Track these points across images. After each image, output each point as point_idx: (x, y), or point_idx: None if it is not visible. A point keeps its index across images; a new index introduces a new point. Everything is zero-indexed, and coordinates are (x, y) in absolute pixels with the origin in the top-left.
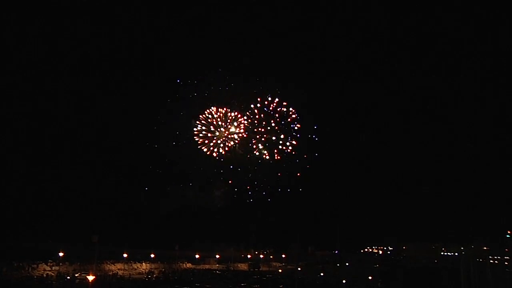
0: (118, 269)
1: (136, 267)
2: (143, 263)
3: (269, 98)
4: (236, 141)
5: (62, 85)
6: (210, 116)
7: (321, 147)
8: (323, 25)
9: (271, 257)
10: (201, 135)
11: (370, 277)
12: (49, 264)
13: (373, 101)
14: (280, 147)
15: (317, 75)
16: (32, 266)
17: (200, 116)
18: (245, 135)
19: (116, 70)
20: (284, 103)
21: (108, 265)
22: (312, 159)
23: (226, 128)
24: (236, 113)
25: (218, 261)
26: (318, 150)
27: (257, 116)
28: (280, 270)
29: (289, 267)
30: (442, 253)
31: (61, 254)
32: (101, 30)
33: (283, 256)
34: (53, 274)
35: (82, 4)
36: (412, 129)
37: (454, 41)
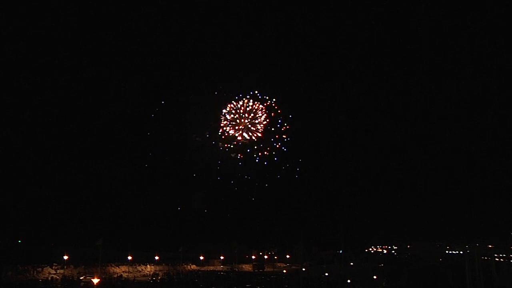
0: (123, 272)
1: (140, 269)
2: (148, 265)
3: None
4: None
5: (68, 85)
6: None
7: (324, 147)
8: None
9: (275, 257)
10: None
11: (374, 277)
12: (54, 267)
13: (377, 100)
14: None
15: (316, 72)
16: (37, 269)
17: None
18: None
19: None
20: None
21: (113, 268)
22: (316, 158)
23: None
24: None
25: (223, 262)
26: (321, 150)
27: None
28: (284, 271)
29: (293, 267)
30: (446, 252)
31: (65, 257)
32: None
33: (288, 256)
34: (58, 277)
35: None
36: (416, 128)
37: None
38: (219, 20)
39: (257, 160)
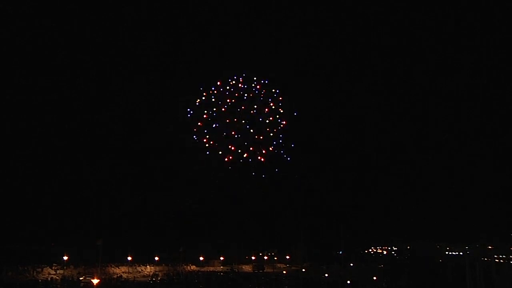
0: (123, 272)
1: (140, 270)
2: (148, 266)
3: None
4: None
5: (66, 86)
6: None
7: (324, 147)
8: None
9: (275, 258)
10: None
11: (374, 277)
12: (53, 267)
13: (376, 100)
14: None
15: (314, 72)
16: (37, 269)
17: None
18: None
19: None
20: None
21: (113, 268)
22: (316, 159)
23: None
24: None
25: (222, 263)
26: (321, 149)
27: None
28: (284, 271)
29: (293, 268)
30: (447, 253)
31: (65, 257)
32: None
33: (288, 257)
34: (57, 277)
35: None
36: (416, 128)
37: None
38: (218, 19)
39: (254, 174)
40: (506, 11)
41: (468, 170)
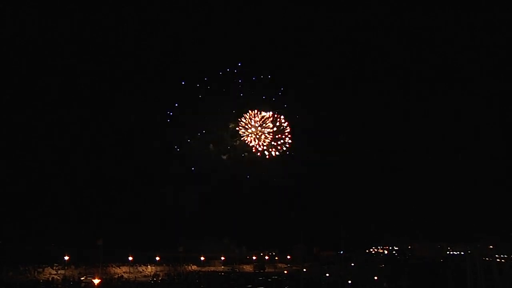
0: (124, 272)
1: (141, 270)
2: (149, 266)
3: None
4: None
5: (65, 86)
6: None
7: (324, 147)
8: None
9: (276, 258)
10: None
11: (375, 277)
12: (54, 267)
13: (375, 99)
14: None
15: (315, 74)
16: (38, 270)
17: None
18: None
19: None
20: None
21: (114, 268)
22: (316, 159)
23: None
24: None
25: (223, 263)
26: (321, 149)
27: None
28: (285, 271)
29: (294, 268)
30: (447, 252)
31: (66, 257)
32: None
33: (288, 257)
34: (58, 277)
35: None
36: (416, 128)
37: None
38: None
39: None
40: (506, 11)
41: (468, 170)
